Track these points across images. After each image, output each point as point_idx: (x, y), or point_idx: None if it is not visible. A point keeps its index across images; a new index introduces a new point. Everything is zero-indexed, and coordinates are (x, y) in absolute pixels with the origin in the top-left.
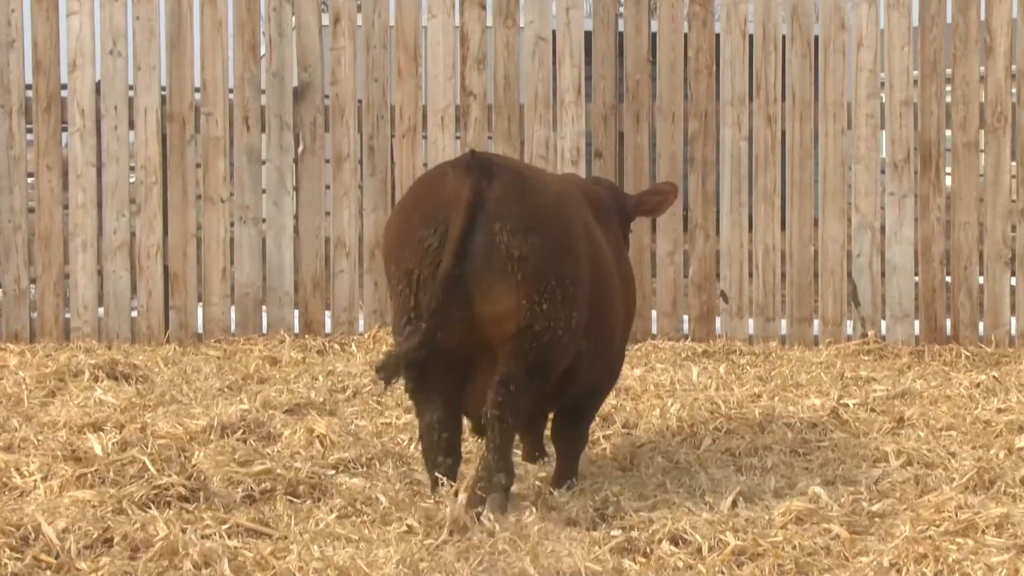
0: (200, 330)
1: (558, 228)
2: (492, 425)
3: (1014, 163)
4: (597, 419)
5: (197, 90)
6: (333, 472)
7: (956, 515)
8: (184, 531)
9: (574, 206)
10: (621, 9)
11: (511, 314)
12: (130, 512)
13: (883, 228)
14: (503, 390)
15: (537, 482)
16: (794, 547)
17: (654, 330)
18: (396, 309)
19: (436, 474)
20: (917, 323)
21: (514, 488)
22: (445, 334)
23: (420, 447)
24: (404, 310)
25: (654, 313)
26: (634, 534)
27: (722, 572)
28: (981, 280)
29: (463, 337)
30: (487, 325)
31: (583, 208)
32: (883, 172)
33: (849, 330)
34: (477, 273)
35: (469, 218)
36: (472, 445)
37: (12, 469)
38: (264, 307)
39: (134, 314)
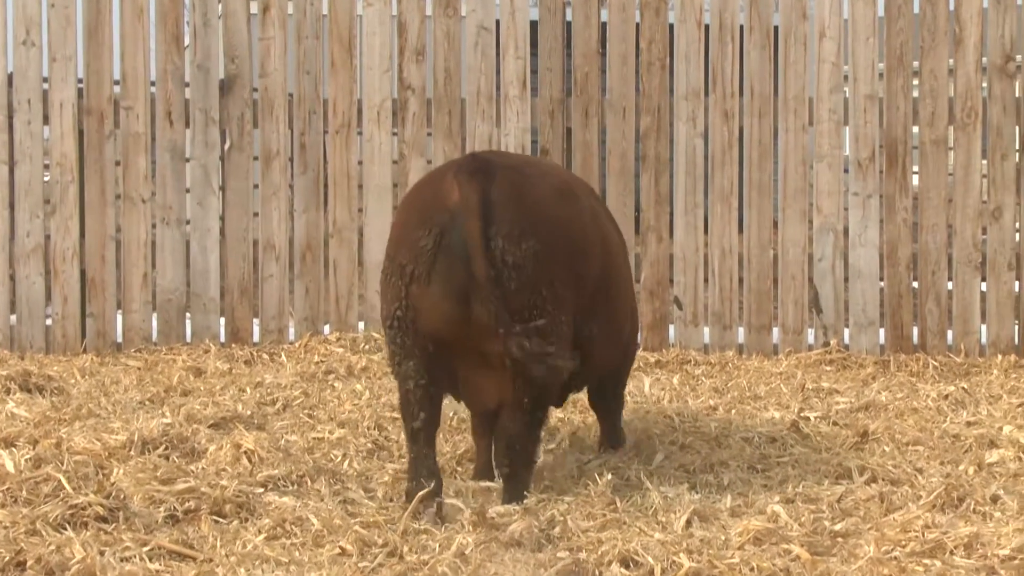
0: (119, 339)
1: (558, 229)
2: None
3: (985, 161)
4: (543, 433)
5: (117, 83)
6: (261, 490)
7: (923, 535)
8: (102, 553)
9: (576, 198)
10: None
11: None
12: (44, 533)
13: (846, 230)
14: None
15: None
16: (752, 569)
17: None
18: (389, 300)
19: (413, 425)
20: (882, 331)
21: (455, 505)
22: (446, 329)
23: (398, 402)
24: (396, 299)
25: None
26: (582, 556)
27: None
28: (950, 286)
29: (462, 335)
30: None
31: (585, 195)
32: (846, 171)
33: (810, 339)
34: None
35: (483, 222)
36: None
37: None
38: (188, 314)
39: (49, 322)
